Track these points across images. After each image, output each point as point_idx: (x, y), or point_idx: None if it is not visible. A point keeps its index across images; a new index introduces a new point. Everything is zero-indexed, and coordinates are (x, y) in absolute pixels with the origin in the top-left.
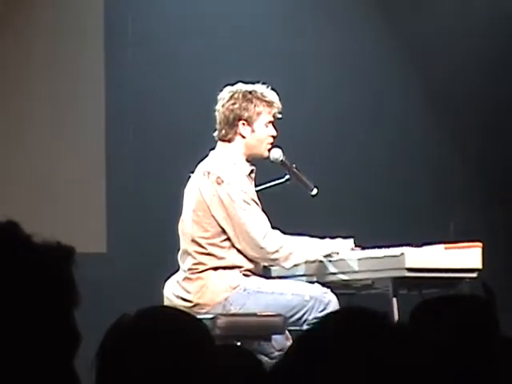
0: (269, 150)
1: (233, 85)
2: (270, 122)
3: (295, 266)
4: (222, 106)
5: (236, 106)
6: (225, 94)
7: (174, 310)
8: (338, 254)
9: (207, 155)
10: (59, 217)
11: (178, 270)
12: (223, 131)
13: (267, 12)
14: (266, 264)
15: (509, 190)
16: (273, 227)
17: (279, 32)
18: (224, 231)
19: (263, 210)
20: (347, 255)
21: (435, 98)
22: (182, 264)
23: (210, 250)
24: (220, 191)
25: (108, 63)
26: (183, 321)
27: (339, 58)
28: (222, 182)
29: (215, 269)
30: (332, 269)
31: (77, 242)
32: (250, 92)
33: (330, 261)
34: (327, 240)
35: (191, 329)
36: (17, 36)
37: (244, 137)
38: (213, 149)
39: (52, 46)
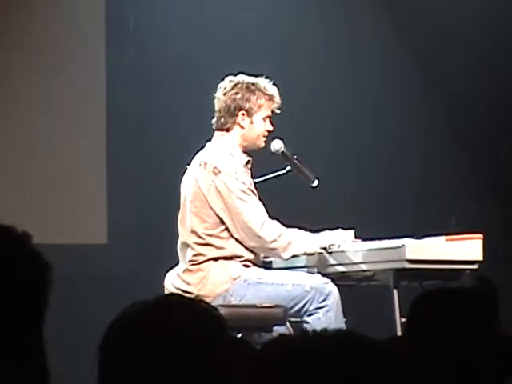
0: (265, 142)
1: (235, 75)
2: (268, 116)
3: (294, 256)
4: (224, 94)
5: (239, 95)
6: (227, 83)
7: (183, 300)
8: (339, 246)
9: (203, 147)
10: (60, 208)
11: (178, 263)
12: (222, 119)
13: (267, 8)
14: (264, 254)
15: (509, 187)
16: (272, 218)
17: (279, 25)
18: (222, 221)
19: (261, 200)
20: (348, 247)
21: (436, 95)
22: (183, 257)
23: (209, 240)
24: (217, 181)
25: (109, 61)
26: (192, 312)
27: (340, 51)
28: (219, 172)
29: (215, 259)
30: (332, 260)
31: (78, 233)
32: (253, 84)
33: (331, 252)
34: (327, 232)
35: (200, 321)
36: (16, 35)
37: (242, 127)
38: (209, 140)
39: (52, 46)
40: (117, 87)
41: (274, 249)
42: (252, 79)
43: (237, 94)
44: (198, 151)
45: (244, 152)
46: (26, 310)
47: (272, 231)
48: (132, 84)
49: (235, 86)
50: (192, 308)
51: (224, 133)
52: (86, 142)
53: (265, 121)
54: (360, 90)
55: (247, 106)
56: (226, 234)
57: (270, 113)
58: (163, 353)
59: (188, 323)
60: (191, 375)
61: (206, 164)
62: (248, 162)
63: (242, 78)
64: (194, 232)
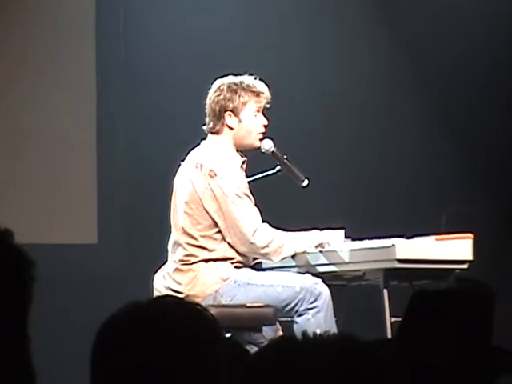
0: (260, 140)
1: (223, 77)
2: (258, 110)
3: (283, 258)
4: (209, 98)
5: (221, 97)
6: (213, 87)
7: (175, 301)
8: (329, 245)
9: (198, 144)
10: (50, 208)
11: (166, 262)
12: (211, 123)
13: (260, 9)
14: (255, 257)
15: (502, 184)
16: (263, 220)
17: (271, 26)
18: (216, 224)
19: (256, 204)
20: (338, 246)
21: (427, 96)
22: (173, 254)
23: (202, 242)
24: (213, 184)
25: (98, 62)
26: (185, 313)
27: (332, 50)
28: (215, 175)
29: (206, 261)
30: (323, 260)
31: (68, 233)
32: (236, 83)
33: (321, 251)
34: (317, 232)
35: (192, 322)
36: (3, 35)
37: (232, 128)
38: (204, 139)
39: (42, 46)
40: (107, 88)
41: (265, 254)
42: (236, 78)
43: (219, 95)
44: (192, 149)
45: (238, 152)
46: (9, 308)
47: (264, 237)
48: (122, 85)
49: (218, 88)
50: (184, 309)
51: (216, 136)
52: (76, 142)
53: (256, 116)
54: (350, 89)
55: (231, 105)
56: (219, 235)
57: (258, 106)
58: (155, 354)
59: (180, 324)
60: (183, 376)
61: (202, 166)
62: (243, 163)
63: (227, 79)
64: (186, 233)
